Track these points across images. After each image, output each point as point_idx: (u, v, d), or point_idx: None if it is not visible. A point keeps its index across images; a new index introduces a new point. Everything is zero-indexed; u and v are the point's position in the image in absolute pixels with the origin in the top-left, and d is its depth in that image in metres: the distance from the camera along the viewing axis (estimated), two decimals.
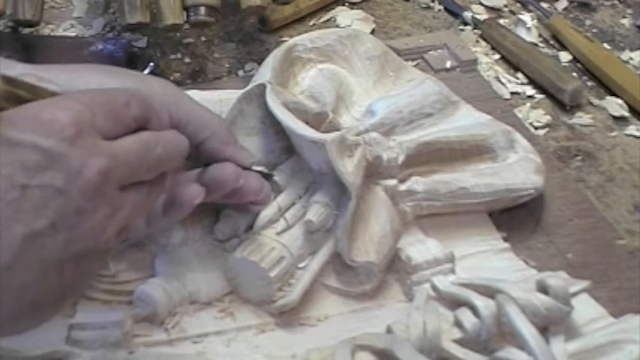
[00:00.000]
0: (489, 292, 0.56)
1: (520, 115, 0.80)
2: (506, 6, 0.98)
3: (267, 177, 0.61)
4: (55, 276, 0.45)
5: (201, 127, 0.56)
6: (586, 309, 0.57)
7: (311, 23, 0.94)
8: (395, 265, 0.61)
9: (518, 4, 0.99)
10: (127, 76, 0.57)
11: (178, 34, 0.89)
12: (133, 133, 0.49)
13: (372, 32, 0.92)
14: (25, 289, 0.44)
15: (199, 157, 0.56)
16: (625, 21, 0.97)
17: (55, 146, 0.44)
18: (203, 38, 0.90)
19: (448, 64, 0.84)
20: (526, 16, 0.94)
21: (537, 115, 0.82)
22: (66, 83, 0.54)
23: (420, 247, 0.61)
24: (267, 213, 0.59)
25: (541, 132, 0.80)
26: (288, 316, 0.58)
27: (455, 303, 0.56)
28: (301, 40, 0.73)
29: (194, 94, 0.64)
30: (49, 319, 0.47)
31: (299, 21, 0.93)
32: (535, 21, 0.94)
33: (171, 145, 0.51)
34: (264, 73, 0.67)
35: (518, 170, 0.67)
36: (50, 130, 0.44)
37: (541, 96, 0.85)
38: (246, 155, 0.59)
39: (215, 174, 0.56)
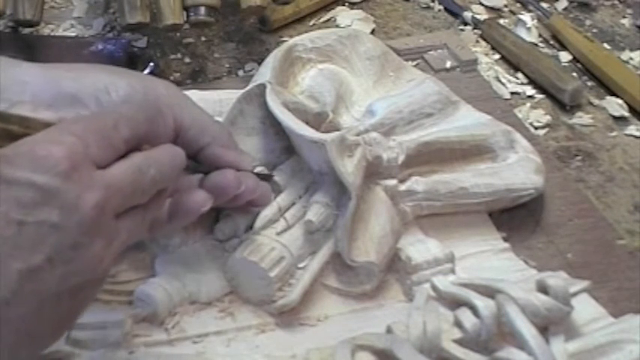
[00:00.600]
0: (489, 292, 0.56)
1: (520, 115, 0.80)
2: (506, 6, 0.98)
3: (268, 178, 0.61)
4: (52, 308, 0.45)
5: (202, 132, 0.56)
6: (586, 309, 0.57)
7: (311, 23, 0.94)
8: (395, 265, 0.61)
9: (518, 4, 0.99)
10: (132, 76, 0.57)
11: (178, 34, 0.89)
12: (125, 156, 0.48)
13: (372, 32, 0.92)
14: (23, 322, 0.44)
15: (200, 162, 0.56)
16: (625, 21, 0.97)
17: (50, 182, 0.44)
18: (203, 38, 0.90)
19: (448, 64, 0.84)
20: (526, 16, 0.94)
21: (537, 115, 0.82)
22: (72, 83, 0.53)
23: (420, 247, 0.61)
24: (267, 213, 0.59)
25: (541, 132, 0.80)
26: (288, 316, 0.58)
27: (455, 303, 0.56)
28: (301, 40, 0.73)
29: (194, 94, 0.64)
30: (47, 348, 0.48)
31: (299, 21, 0.93)
32: (535, 21, 0.94)
33: (165, 164, 0.51)
34: (264, 73, 0.67)
35: (518, 170, 0.67)
36: (45, 166, 0.44)
37: (541, 96, 0.85)
38: (247, 159, 0.59)
39: (216, 181, 0.56)
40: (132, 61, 0.84)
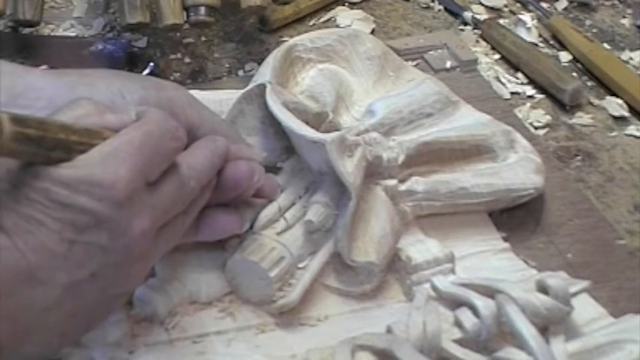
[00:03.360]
0: (489, 292, 0.56)
1: (520, 115, 0.80)
2: (506, 6, 0.98)
3: (274, 170, 0.61)
4: (87, 314, 0.49)
5: (213, 131, 0.57)
6: (586, 309, 0.57)
7: (311, 23, 0.94)
8: (395, 265, 0.61)
9: (518, 4, 0.99)
10: (142, 79, 0.58)
11: (178, 34, 0.89)
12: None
13: (372, 32, 0.91)
14: (58, 325, 0.47)
15: None
16: (625, 21, 0.97)
17: (103, 210, 0.46)
18: (203, 38, 0.90)
19: (448, 64, 0.83)
20: (526, 16, 0.94)
21: (537, 115, 0.82)
22: (87, 88, 0.54)
23: (420, 247, 0.61)
24: (267, 213, 0.59)
25: (541, 132, 0.80)
26: (288, 316, 0.58)
27: (455, 303, 0.56)
28: (301, 40, 0.73)
29: (194, 94, 0.64)
30: (74, 342, 0.52)
31: (299, 21, 0.93)
32: (535, 21, 0.94)
33: (204, 170, 0.53)
34: (264, 73, 0.67)
35: (518, 170, 0.67)
36: (100, 195, 0.46)
37: (541, 96, 0.85)
38: (257, 153, 0.60)
39: (231, 173, 0.56)
40: (132, 61, 0.84)
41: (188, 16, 0.81)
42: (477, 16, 0.94)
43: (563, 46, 0.91)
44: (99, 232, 0.46)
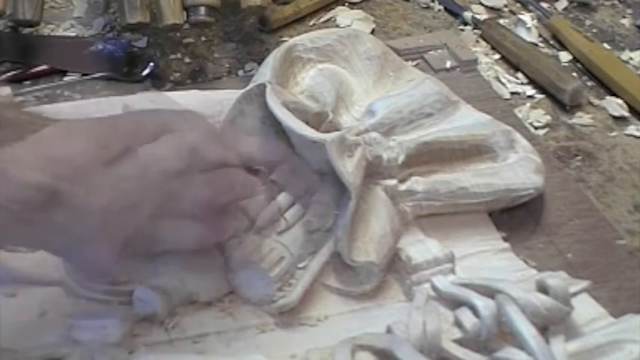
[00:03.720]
0: (489, 292, 0.56)
1: (520, 115, 0.80)
2: (506, 6, 0.98)
3: (255, 172, 0.61)
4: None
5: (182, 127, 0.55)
6: (586, 309, 0.57)
7: (311, 23, 0.94)
8: (395, 265, 0.61)
9: (518, 4, 0.99)
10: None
11: (178, 34, 0.89)
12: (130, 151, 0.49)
13: (372, 32, 0.91)
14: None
15: None
16: (625, 21, 0.97)
17: (59, 186, 0.45)
18: (203, 38, 0.90)
19: (448, 64, 0.83)
20: (526, 16, 0.94)
21: (537, 115, 0.82)
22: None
23: (420, 247, 0.61)
24: (267, 213, 0.59)
25: (541, 132, 0.80)
26: (288, 316, 0.58)
27: (455, 303, 0.56)
28: (301, 40, 0.73)
29: (194, 94, 0.64)
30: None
31: (299, 21, 0.93)
32: (535, 21, 0.94)
33: (170, 157, 0.51)
34: (264, 73, 0.67)
35: (518, 170, 0.67)
36: (55, 171, 0.45)
37: (541, 96, 0.85)
38: (232, 147, 0.58)
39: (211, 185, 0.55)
40: (132, 61, 0.84)
41: (188, 16, 0.81)
42: (477, 16, 0.94)
43: (563, 46, 0.91)
44: (56, 210, 0.45)
